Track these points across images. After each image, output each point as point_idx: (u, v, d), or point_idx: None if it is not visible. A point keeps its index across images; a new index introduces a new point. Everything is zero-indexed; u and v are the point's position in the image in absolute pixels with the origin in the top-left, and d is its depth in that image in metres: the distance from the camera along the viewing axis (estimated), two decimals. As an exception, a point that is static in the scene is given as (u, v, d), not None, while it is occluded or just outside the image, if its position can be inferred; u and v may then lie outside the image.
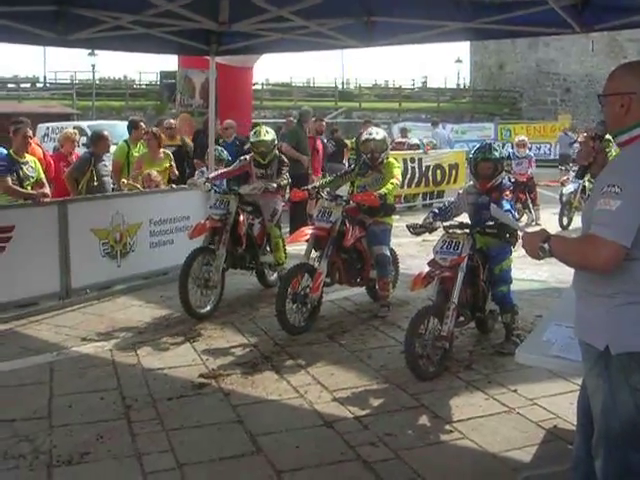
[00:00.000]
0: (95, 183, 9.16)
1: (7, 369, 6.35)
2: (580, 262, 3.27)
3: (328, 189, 8.09)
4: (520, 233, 3.60)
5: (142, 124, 11.05)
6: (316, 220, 7.68)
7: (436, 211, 7.01)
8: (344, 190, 8.81)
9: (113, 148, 10.37)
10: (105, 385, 6.02)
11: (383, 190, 7.67)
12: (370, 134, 8.10)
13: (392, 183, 7.83)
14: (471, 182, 7.18)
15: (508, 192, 6.86)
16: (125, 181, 9.80)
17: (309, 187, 8.35)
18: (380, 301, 8.20)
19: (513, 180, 7.26)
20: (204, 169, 10.77)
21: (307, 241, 7.69)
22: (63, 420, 5.31)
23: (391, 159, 8.22)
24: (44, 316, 8.00)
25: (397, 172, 8.09)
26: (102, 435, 5.07)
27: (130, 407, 5.58)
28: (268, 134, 8.75)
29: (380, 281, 8.03)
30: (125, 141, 10.86)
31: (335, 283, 8.06)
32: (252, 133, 9.08)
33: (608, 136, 3.64)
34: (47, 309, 8.20)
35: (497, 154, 6.87)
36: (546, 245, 3.28)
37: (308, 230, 7.75)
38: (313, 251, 7.70)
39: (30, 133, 8.62)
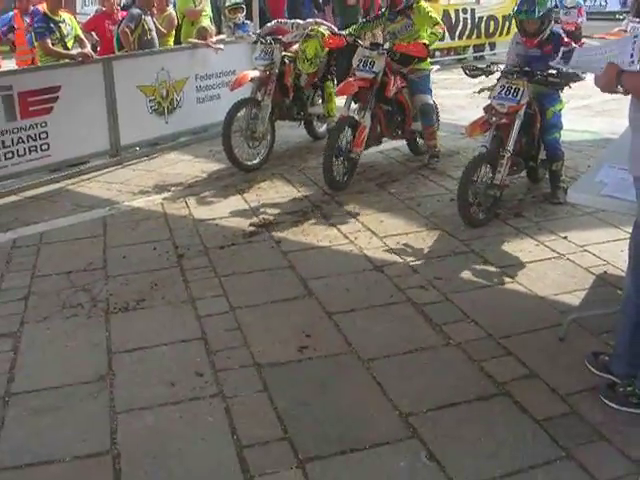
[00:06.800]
0: (149, 37, 9.03)
1: (62, 225, 6.46)
2: None
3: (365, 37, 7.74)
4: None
5: None
6: (357, 70, 7.31)
7: (501, 67, 6.74)
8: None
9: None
10: (158, 236, 6.12)
11: (429, 39, 7.40)
12: None
13: (434, 33, 7.51)
14: None
15: (567, 40, 6.57)
16: (193, 40, 9.56)
17: (344, 33, 7.95)
18: (429, 150, 8.05)
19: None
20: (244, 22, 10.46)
21: None
22: (118, 270, 5.44)
23: (422, 3, 7.73)
24: (95, 174, 8.07)
25: (435, 17, 7.68)
26: (156, 283, 5.20)
27: (182, 256, 5.68)
28: None
29: (426, 131, 7.85)
30: None
31: (372, 145, 7.73)
32: None
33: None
34: (98, 167, 8.27)
35: (543, 9, 6.33)
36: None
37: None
38: (352, 103, 7.43)
39: None
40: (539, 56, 6.45)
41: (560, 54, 3.60)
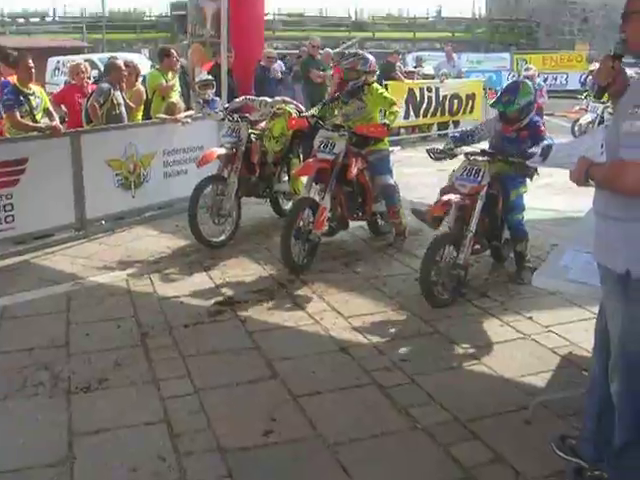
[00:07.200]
0: (117, 111, 9.06)
1: (25, 299, 6.37)
2: (615, 186, 3.16)
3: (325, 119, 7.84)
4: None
5: (173, 51, 10.55)
6: (318, 152, 7.34)
7: (457, 135, 6.91)
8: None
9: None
10: (122, 313, 6.06)
11: (386, 120, 7.43)
12: (346, 60, 7.81)
13: (392, 112, 7.55)
14: None
15: (543, 128, 6.70)
16: (162, 115, 9.64)
17: (307, 115, 8.02)
18: (395, 229, 8.07)
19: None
20: (213, 98, 10.57)
21: None
22: (81, 348, 5.35)
23: (375, 85, 7.82)
24: (60, 247, 8.00)
25: (390, 98, 7.74)
26: (119, 362, 5.12)
27: (147, 334, 5.62)
28: None
29: (390, 211, 7.87)
30: (157, 69, 10.55)
31: (340, 230, 7.85)
32: None
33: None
34: (63, 240, 8.20)
35: (523, 101, 6.52)
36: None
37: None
38: (314, 184, 7.38)
39: (31, 63, 8.38)
40: (513, 138, 6.59)
41: (539, 151, 3.64)
